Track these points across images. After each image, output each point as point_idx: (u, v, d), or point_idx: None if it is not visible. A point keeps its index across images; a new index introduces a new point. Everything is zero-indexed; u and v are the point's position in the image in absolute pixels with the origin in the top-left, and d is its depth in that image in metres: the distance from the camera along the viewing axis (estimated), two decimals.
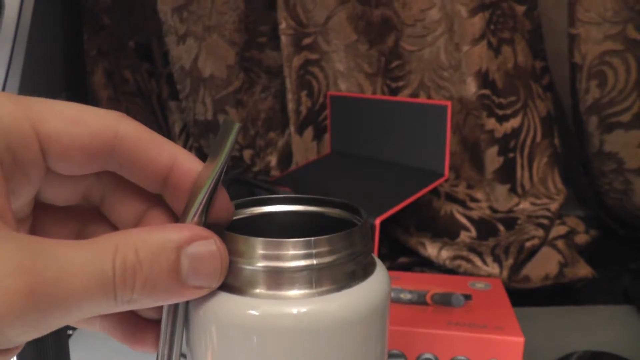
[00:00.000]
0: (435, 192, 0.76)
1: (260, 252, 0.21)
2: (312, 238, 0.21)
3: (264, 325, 0.20)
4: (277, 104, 0.89)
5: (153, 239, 0.19)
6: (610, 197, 0.79)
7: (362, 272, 0.23)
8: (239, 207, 0.26)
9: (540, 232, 0.69)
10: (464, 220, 0.74)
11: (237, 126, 0.22)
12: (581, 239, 0.75)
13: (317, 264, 0.21)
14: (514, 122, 0.78)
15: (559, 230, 0.71)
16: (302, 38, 0.82)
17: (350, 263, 0.22)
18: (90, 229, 0.25)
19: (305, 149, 0.85)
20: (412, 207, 0.67)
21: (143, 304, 0.20)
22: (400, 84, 0.82)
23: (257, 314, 0.20)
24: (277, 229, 0.26)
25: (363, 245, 0.23)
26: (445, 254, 0.67)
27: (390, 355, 0.50)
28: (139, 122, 0.22)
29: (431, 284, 0.56)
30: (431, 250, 0.69)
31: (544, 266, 0.66)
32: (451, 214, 0.74)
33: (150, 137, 0.22)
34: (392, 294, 0.54)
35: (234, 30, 0.84)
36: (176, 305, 0.22)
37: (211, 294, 0.21)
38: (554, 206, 0.75)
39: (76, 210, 0.24)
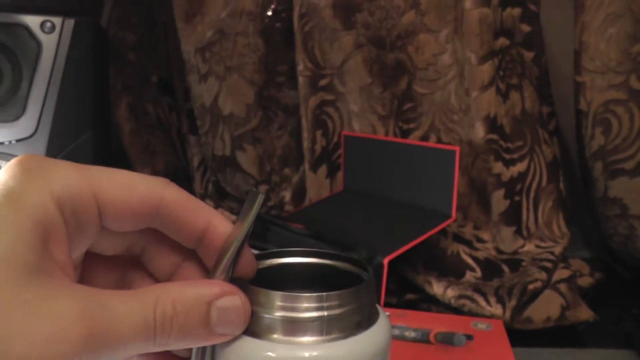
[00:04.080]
0: (443, 232, 0.78)
1: (278, 303, 0.24)
2: (324, 293, 0.24)
3: None
4: (293, 142, 0.93)
5: (188, 294, 0.24)
6: (615, 241, 0.81)
7: (366, 322, 0.26)
8: (261, 258, 0.29)
9: (543, 275, 0.71)
10: (469, 261, 0.76)
11: (261, 196, 0.26)
12: (585, 281, 0.77)
13: (327, 316, 0.24)
14: (521, 167, 0.81)
15: (561, 273, 0.73)
16: (318, 79, 0.85)
17: (357, 314, 0.25)
18: (129, 276, 0.29)
19: (319, 185, 0.88)
20: (420, 246, 0.70)
21: (177, 346, 0.24)
22: (412, 125, 0.86)
23: (274, 355, 0.24)
24: (293, 278, 0.29)
25: (368, 299, 0.26)
26: (451, 293, 0.70)
27: None
28: (181, 189, 0.26)
29: (435, 323, 0.58)
30: (437, 289, 0.71)
31: (546, 308, 0.68)
32: (458, 254, 0.77)
33: (190, 202, 0.26)
34: (397, 332, 0.57)
35: (254, 70, 0.88)
36: (204, 348, 0.25)
37: (235, 338, 0.25)
38: (557, 250, 0.77)
39: (119, 259, 0.28)
